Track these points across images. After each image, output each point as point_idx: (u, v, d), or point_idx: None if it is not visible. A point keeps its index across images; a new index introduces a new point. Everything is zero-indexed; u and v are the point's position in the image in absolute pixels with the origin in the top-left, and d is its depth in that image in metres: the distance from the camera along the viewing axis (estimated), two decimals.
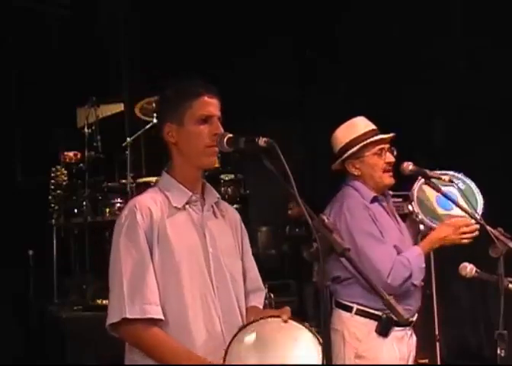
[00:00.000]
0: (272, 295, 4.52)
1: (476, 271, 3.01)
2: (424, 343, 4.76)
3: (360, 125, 3.33)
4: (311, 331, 2.23)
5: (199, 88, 2.43)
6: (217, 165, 5.51)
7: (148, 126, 5.43)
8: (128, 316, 2.24)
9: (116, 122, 5.87)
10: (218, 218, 2.51)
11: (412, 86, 5.99)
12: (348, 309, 3.18)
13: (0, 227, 5.44)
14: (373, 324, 3.15)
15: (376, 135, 3.29)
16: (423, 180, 3.30)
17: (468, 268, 3.02)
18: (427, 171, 3.28)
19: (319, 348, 2.16)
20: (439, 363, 5.05)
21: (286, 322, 2.25)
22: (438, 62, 5.90)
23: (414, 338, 3.32)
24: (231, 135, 2.30)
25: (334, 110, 6.44)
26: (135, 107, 5.68)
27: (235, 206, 5.59)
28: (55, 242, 5.48)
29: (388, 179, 3.28)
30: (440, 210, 3.29)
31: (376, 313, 3.14)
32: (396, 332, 3.18)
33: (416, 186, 3.31)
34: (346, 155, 3.27)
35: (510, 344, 2.79)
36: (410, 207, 3.31)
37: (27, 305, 5.34)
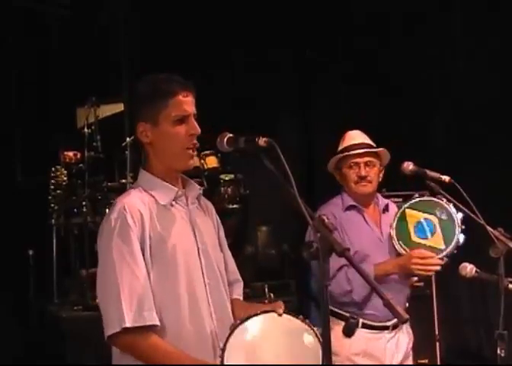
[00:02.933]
0: (272, 295, 4.51)
1: (476, 271, 3.01)
2: (424, 343, 4.77)
3: (347, 139, 3.53)
4: (306, 323, 2.24)
5: (173, 85, 2.34)
6: (217, 165, 5.51)
7: None
8: (128, 325, 2.18)
9: (116, 122, 5.86)
10: (201, 211, 2.48)
11: (412, 86, 5.99)
12: None
13: (0, 227, 5.44)
14: (341, 323, 3.33)
15: (360, 148, 3.45)
16: (408, 203, 3.38)
17: (468, 268, 3.02)
18: (427, 171, 3.28)
19: (316, 340, 2.17)
20: (439, 363, 5.05)
21: (280, 316, 2.25)
22: (438, 62, 5.90)
23: (401, 339, 3.40)
24: (231, 135, 2.27)
25: (334, 111, 6.45)
26: None
27: (235, 206, 5.60)
28: (55, 242, 5.48)
29: (361, 188, 3.45)
30: (414, 237, 3.32)
31: (344, 314, 3.31)
32: (367, 334, 3.32)
33: (399, 210, 3.40)
34: (328, 166, 3.54)
35: (510, 344, 2.80)
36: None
37: (27, 305, 5.34)
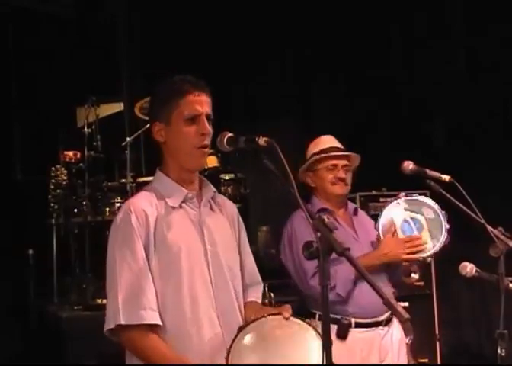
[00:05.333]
0: (272, 294, 4.51)
1: (476, 271, 3.01)
2: (424, 343, 4.78)
3: (323, 142, 3.57)
4: (312, 327, 2.24)
5: (185, 85, 2.36)
6: (217, 165, 5.51)
7: (148, 126, 5.40)
8: (122, 322, 2.21)
9: (116, 121, 5.87)
10: (215, 212, 2.48)
11: (412, 86, 5.99)
12: (313, 316, 3.32)
13: (0, 227, 5.44)
14: (333, 327, 3.23)
15: (336, 152, 3.50)
16: (394, 202, 3.40)
17: (468, 268, 3.02)
18: (427, 171, 3.28)
19: (320, 344, 2.17)
20: (439, 362, 5.06)
21: (287, 319, 2.25)
22: (438, 62, 5.90)
23: (396, 335, 3.40)
24: (231, 134, 2.28)
25: (334, 111, 6.45)
26: (135, 106, 5.67)
27: (235, 205, 5.59)
28: (55, 241, 5.48)
29: (339, 189, 3.49)
30: (401, 235, 3.34)
31: (335, 316, 3.27)
32: (360, 334, 3.30)
33: (386, 208, 3.41)
34: (302, 167, 3.53)
35: (510, 343, 2.79)
36: (377, 225, 3.39)
37: (26, 305, 5.34)
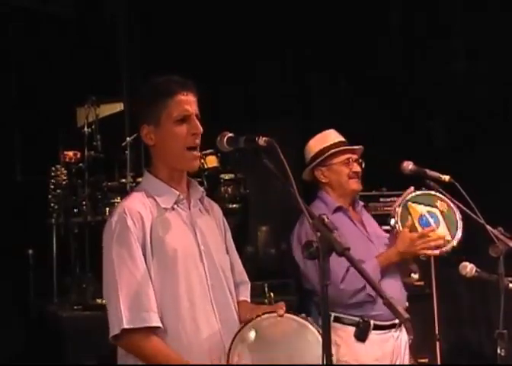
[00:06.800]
0: (272, 294, 4.51)
1: (476, 271, 3.01)
2: (424, 343, 4.77)
3: (331, 136, 3.51)
4: (307, 321, 2.25)
5: (173, 85, 2.35)
6: (217, 165, 5.51)
7: None
8: (126, 326, 2.21)
9: (116, 121, 5.86)
10: (204, 214, 2.49)
11: (412, 86, 5.99)
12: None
13: (0, 227, 5.43)
14: (351, 329, 3.24)
15: (345, 146, 3.45)
16: (409, 196, 3.34)
17: (468, 268, 3.03)
18: (427, 171, 3.29)
19: (318, 337, 2.18)
20: (439, 362, 5.06)
21: (281, 316, 2.26)
22: (438, 62, 5.90)
23: (404, 338, 3.39)
24: (231, 134, 2.28)
25: (334, 111, 6.45)
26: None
27: (235, 205, 5.60)
28: (55, 241, 5.47)
29: (355, 185, 3.43)
30: (420, 229, 3.30)
31: (353, 318, 3.24)
32: (378, 335, 3.27)
33: (400, 201, 3.35)
34: (315, 162, 3.45)
35: (510, 343, 2.80)
36: (392, 222, 3.33)
37: (27, 304, 5.34)
